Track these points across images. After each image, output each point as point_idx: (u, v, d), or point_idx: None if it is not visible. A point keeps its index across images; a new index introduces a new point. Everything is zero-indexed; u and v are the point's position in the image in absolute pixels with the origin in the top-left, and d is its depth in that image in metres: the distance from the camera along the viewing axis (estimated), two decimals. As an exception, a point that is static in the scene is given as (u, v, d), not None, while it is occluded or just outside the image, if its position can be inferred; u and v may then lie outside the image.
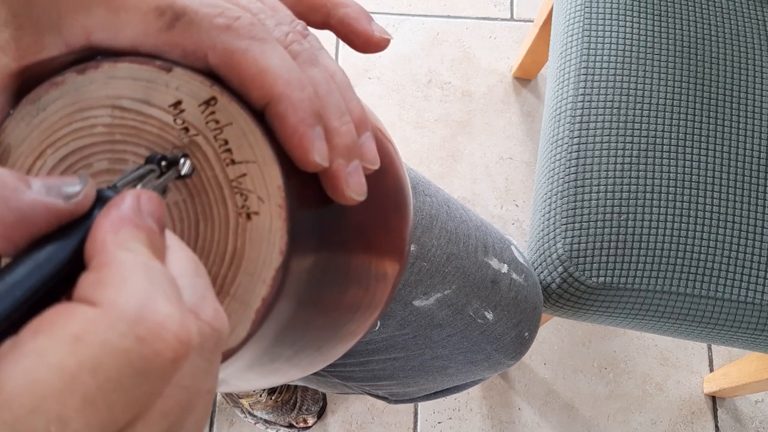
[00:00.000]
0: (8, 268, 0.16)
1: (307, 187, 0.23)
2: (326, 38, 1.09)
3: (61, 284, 0.16)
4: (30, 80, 0.22)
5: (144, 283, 0.15)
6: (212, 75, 0.22)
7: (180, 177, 0.21)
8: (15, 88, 0.22)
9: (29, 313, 0.15)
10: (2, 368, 0.14)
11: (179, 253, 0.18)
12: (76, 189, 0.17)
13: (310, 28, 0.25)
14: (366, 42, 0.26)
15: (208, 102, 0.21)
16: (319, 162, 0.22)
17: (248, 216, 0.21)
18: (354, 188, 0.23)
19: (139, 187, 0.20)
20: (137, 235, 0.17)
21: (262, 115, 0.22)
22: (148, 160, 0.21)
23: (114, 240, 0.16)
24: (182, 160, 0.21)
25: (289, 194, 0.21)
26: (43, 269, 0.16)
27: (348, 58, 1.20)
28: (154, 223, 0.18)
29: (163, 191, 0.21)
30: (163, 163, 0.21)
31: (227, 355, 0.21)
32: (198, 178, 0.22)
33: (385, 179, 0.29)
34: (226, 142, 0.21)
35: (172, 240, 0.18)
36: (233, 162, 0.21)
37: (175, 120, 0.21)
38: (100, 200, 0.18)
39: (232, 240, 0.21)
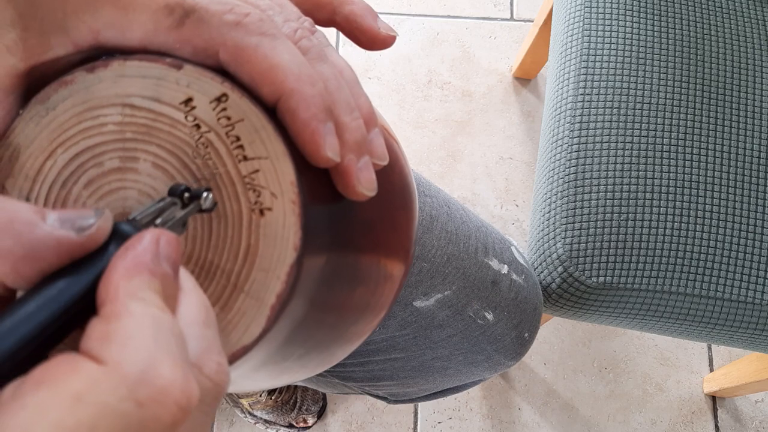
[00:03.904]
0: (17, 304, 0.16)
1: (318, 184, 0.23)
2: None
3: (70, 322, 0.16)
4: (38, 80, 0.22)
5: (151, 342, 0.15)
6: (222, 72, 0.22)
7: (201, 211, 0.21)
8: (23, 88, 0.22)
9: (36, 352, 0.15)
10: (1, 417, 0.13)
11: (192, 298, 0.18)
12: (90, 222, 0.17)
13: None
14: (372, 39, 0.26)
15: (220, 98, 0.21)
16: (331, 157, 0.22)
17: (261, 212, 0.21)
18: (365, 184, 0.23)
19: (159, 221, 0.19)
20: (151, 283, 0.17)
21: (273, 111, 0.22)
22: (171, 192, 0.21)
23: (127, 288, 0.16)
24: (204, 194, 0.21)
25: (302, 190, 0.21)
26: (52, 306, 0.16)
27: (348, 57, 1.20)
28: (170, 268, 0.17)
29: (183, 224, 0.21)
30: (186, 195, 0.21)
31: (241, 353, 0.21)
32: (210, 175, 0.21)
33: (392, 176, 0.29)
34: (238, 139, 0.21)
35: (186, 282, 0.18)
36: (245, 158, 0.21)
37: (186, 117, 0.21)
38: (117, 235, 0.18)
39: (245, 236, 0.21)
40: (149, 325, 0.16)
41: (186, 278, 0.19)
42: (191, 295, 0.18)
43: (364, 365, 0.52)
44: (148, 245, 0.17)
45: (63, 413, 0.14)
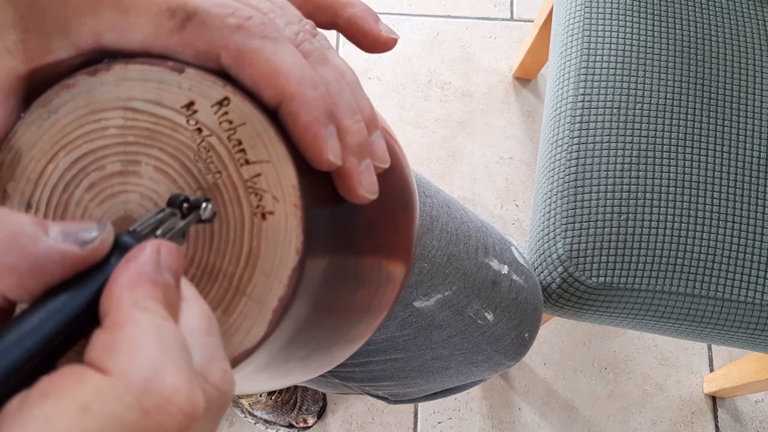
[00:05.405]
0: (20, 318, 0.16)
1: (320, 187, 0.23)
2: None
3: (74, 335, 0.16)
4: (40, 83, 0.22)
5: (155, 350, 0.15)
6: (224, 75, 0.22)
7: (201, 221, 0.21)
8: (24, 91, 0.22)
9: (41, 364, 0.15)
10: (8, 428, 0.14)
11: (193, 307, 0.18)
12: (93, 235, 0.17)
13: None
14: (373, 42, 0.26)
15: (221, 102, 0.21)
16: (333, 160, 0.22)
17: (263, 216, 0.21)
18: (366, 187, 0.23)
19: (159, 231, 0.20)
20: (154, 293, 0.17)
21: (275, 114, 0.22)
22: (170, 203, 0.21)
23: (130, 298, 0.16)
24: (204, 204, 0.21)
25: (304, 193, 0.21)
26: (56, 319, 0.16)
27: (348, 58, 1.20)
28: (172, 278, 0.17)
29: (183, 235, 0.21)
30: (185, 206, 0.21)
31: (244, 356, 0.21)
32: (212, 179, 0.21)
33: (393, 178, 0.29)
34: (240, 143, 0.21)
35: (188, 291, 0.18)
36: (247, 162, 0.21)
37: (188, 121, 0.21)
38: (119, 247, 0.18)
39: (247, 240, 0.21)
40: (153, 334, 0.16)
41: (187, 287, 0.19)
42: (193, 304, 0.18)
43: (365, 365, 0.52)
44: (149, 255, 0.17)
45: (70, 424, 0.14)
